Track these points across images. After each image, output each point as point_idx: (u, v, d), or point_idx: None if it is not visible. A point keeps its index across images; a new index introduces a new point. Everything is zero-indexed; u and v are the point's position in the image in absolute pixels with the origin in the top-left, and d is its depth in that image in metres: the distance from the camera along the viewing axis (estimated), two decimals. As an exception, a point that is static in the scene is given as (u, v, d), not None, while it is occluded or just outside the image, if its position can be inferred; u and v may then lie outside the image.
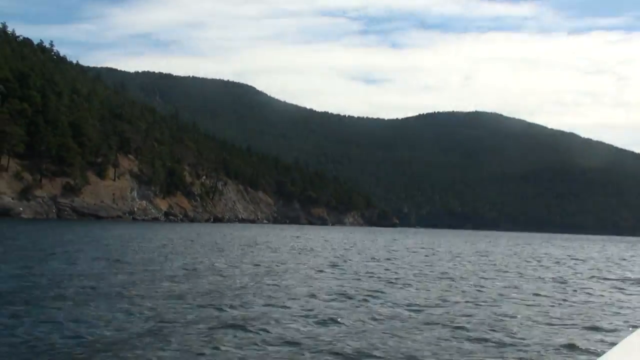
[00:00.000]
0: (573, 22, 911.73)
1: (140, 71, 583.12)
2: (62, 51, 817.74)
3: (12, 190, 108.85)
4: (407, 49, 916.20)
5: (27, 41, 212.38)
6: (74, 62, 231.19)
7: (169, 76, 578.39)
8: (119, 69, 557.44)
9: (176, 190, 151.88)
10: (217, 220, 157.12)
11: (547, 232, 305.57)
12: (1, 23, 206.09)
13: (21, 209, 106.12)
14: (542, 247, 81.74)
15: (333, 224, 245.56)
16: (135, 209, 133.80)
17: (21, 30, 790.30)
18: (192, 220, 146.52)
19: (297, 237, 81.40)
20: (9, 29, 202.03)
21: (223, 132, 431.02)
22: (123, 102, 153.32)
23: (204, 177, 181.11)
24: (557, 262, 47.12)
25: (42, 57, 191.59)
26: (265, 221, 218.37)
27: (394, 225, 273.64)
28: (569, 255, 60.23)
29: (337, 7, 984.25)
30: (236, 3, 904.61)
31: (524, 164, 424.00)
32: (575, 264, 46.48)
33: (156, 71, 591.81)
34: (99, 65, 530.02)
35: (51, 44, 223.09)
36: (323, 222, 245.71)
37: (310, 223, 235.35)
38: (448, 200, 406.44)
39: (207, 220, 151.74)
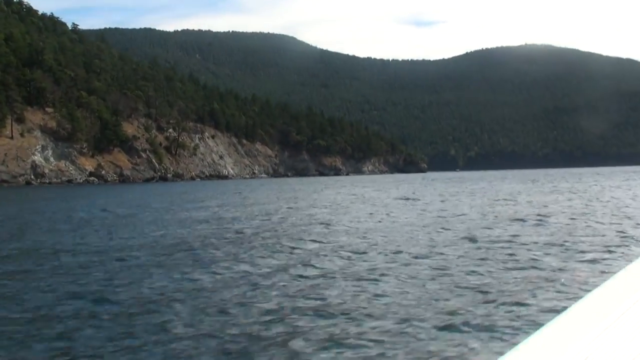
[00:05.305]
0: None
1: (179, 30, 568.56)
2: (113, 18, 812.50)
3: None
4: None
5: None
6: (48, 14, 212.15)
7: (208, 33, 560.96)
8: (157, 28, 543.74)
9: (112, 147, 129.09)
10: (163, 179, 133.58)
11: (604, 165, 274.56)
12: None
13: None
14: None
15: (348, 174, 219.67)
16: (47, 171, 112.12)
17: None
18: (124, 180, 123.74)
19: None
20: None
21: (263, 85, 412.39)
22: (44, 48, 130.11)
23: (170, 130, 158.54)
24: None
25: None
26: (263, 175, 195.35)
27: (421, 171, 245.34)
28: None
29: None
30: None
31: (576, 96, 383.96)
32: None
33: (196, 29, 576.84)
34: (138, 27, 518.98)
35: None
36: (337, 172, 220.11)
37: (322, 174, 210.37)
38: (498, 139, 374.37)
39: (148, 180, 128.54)
